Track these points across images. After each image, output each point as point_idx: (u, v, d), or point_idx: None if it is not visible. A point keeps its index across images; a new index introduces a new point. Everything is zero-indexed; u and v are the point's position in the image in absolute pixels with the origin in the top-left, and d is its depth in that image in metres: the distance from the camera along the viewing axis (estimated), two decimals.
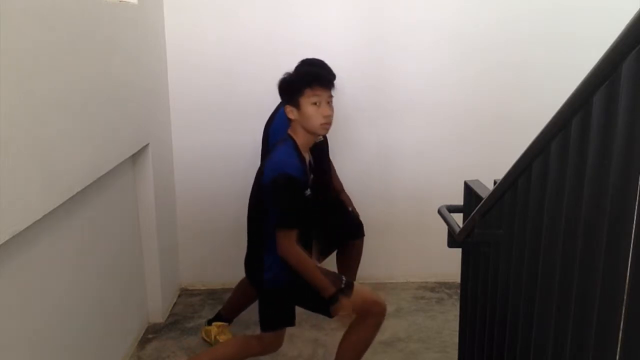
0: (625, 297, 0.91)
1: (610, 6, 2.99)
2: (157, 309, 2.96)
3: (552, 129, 1.17)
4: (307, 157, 2.12)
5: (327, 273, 2.22)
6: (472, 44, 3.18)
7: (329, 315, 2.21)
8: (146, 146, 2.73)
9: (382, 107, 3.25)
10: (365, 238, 3.01)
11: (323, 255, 2.91)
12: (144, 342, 2.79)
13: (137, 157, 2.71)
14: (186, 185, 3.28)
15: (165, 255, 3.04)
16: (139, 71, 2.61)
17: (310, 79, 1.99)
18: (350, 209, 2.93)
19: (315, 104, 1.97)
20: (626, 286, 0.91)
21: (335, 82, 2.07)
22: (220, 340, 2.69)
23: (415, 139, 3.30)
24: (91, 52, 2.00)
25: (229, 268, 2.85)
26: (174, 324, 2.97)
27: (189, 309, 3.14)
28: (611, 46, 0.91)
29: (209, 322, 2.81)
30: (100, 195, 2.24)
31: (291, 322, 2.18)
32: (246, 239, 2.32)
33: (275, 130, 2.55)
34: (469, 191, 1.86)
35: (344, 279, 2.18)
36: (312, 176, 2.15)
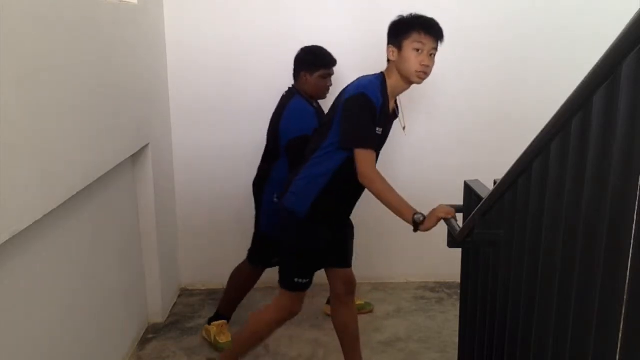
0: (625, 297, 0.91)
1: (610, 6, 2.99)
2: (157, 309, 2.96)
3: (552, 129, 1.17)
4: (392, 105, 2.06)
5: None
6: (472, 44, 3.17)
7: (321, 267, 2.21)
8: (146, 146, 2.73)
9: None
10: (365, 238, 3.01)
11: None
12: (144, 342, 2.79)
13: (137, 157, 2.71)
14: (186, 185, 3.28)
15: (165, 255, 3.04)
16: (139, 71, 2.61)
17: (421, 24, 1.95)
18: None
19: (417, 50, 1.93)
20: (626, 286, 0.91)
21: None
22: (220, 341, 2.70)
23: (415, 138, 3.30)
24: (91, 52, 2.00)
25: (229, 268, 2.85)
26: (174, 324, 2.97)
27: (189, 309, 3.14)
28: (611, 46, 0.91)
29: (210, 322, 2.81)
30: (100, 195, 2.24)
31: (308, 276, 2.12)
32: (244, 238, 2.31)
33: (287, 126, 2.54)
34: (469, 191, 1.86)
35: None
36: (403, 127, 2.10)
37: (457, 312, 2.08)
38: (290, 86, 2.67)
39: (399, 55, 1.96)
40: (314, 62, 2.59)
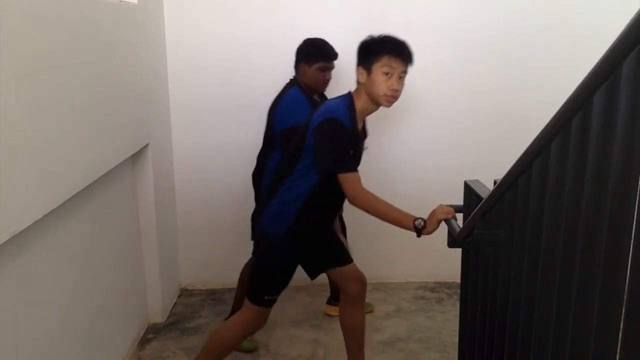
0: (625, 297, 0.91)
1: (610, 6, 2.99)
2: (157, 309, 2.96)
3: (552, 129, 1.17)
4: (360, 125, 2.06)
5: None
6: (472, 44, 3.18)
7: (322, 270, 2.21)
8: (146, 146, 2.73)
9: (381, 107, 3.25)
10: (365, 238, 3.01)
11: None
12: (144, 342, 2.79)
13: (137, 157, 2.71)
14: (186, 185, 3.28)
15: (165, 255, 3.04)
16: (139, 71, 2.61)
17: (391, 48, 1.94)
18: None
19: (387, 74, 1.92)
20: (626, 286, 0.91)
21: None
22: None
23: (415, 138, 3.30)
24: (91, 52, 2.00)
25: (229, 268, 2.85)
26: (174, 324, 2.97)
27: (189, 309, 3.14)
28: (611, 46, 0.91)
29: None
30: (100, 195, 2.24)
31: (277, 293, 2.12)
32: (245, 237, 2.30)
33: (281, 116, 2.54)
34: (469, 191, 1.86)
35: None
36: (366, 147, 2.08)
37: (457, 312, 2.08)
38: (292, 77, 2.67)
39: (368, 78, 1.95)
40: (313, 54, 2.59)
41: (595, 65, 0.97)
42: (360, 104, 2.00)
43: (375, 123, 3.26)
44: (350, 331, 2.33)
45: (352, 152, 2.01)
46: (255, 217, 2.75)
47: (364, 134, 2.13)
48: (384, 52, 1.92)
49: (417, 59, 3.17)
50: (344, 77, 3.20)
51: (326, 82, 2.65)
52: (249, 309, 2.13)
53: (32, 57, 1.56)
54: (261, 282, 2.11)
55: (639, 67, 0.87)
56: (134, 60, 2.53)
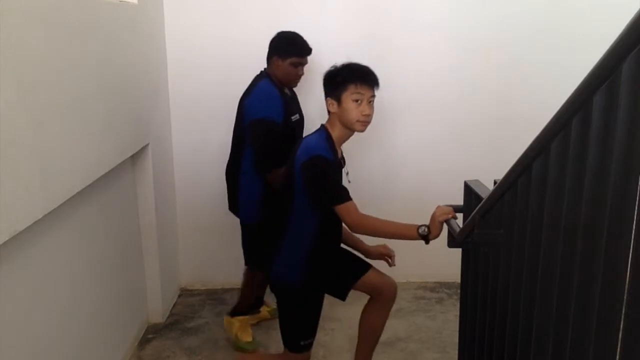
0: (625, 297, 0.91)
1: (610, 6, 2.99)
2: (157, 309, 2.96)
3: (552, 129, 1.17)
4: (340, 152, 2.09)
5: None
6: (472, 44, 3.17)
7: (348, 288, 2.19)
8: (146, 146, 2.73)
9: (382, 107, 3.24)
10: (365, 239, 3.00)
11: None
12: (144, 342, 2.79)
13: (137, 157, 2.71)
14: (186, 185, 3.28)
15: (165, 255, 3.04)
16: (139, 71, 2.61)
17: (356, 75, 1.97)
18: None
19: (356, 101, 1.95)
20: (626, 286, 0.91)
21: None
22: (241, 339, 2.72)
23: (415, 139, 3.30)
24: (91, 52, 2.00)
25: (229, 268, 2.85)
26: (174, 324, 2.97)
27: (189, 309, 3.14)
28: (611, 46, 0.91)
29: (232, 314, 2.80)
30: (100, 195, 2.24)
31: (312, 336, 2.13)
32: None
33: (252, 107, 2.52)
34: (469, 191, 1.86)
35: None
36: (346, 172, 2.12)
37: (457, 312, 2.08)
38: (263, 69, 2.65)
39: (339, 107, 1.98)
40: (287, 48, 2.56)
41: (595, 65, 0.97)
42: (336, 133, 2.03)
43: (375, 124, 3.26)
44: (368, 332, 2.31)
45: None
46: (246, 243, 2.73)
47: (342, 161, 2.15)
48: (350, 80, 1.96)
49: (417, 59, 3.22)
50: None
51: (298, 77, 2.62)
52: (289, 358, 2.12)
53: (32, 57, 1.56)
54: (293, 329, 2.11)
55: (639, 67, 0.87)
56: (134, 60, 2.53)
